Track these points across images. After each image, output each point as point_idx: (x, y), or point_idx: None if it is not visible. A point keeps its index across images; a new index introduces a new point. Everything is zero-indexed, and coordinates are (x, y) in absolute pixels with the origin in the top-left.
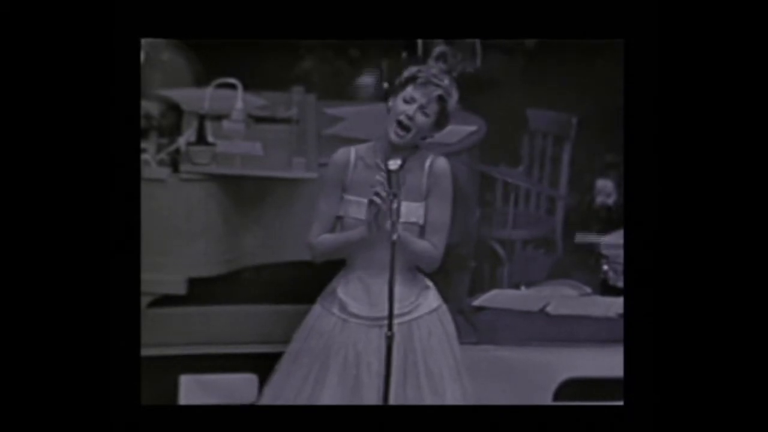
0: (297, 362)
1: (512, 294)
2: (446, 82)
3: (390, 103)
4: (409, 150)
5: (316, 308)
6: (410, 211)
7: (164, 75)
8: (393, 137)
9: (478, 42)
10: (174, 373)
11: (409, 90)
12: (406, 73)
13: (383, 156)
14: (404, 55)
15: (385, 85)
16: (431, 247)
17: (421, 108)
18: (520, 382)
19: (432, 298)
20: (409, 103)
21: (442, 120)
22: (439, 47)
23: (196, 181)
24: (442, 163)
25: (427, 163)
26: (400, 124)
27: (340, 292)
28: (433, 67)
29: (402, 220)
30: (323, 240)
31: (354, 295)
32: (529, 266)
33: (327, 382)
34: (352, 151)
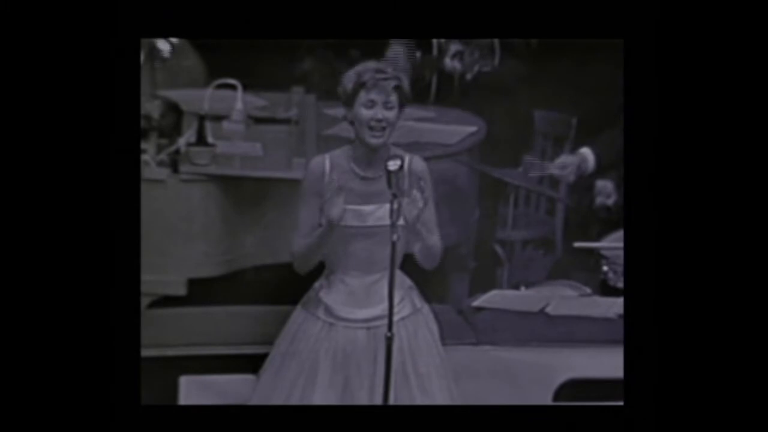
0: (284, 366)
1: (512, 294)
2: (390, 71)
3: (349, 115)
4: (381, 152)
5: (300, 313)
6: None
7: (176, 76)
8: (372, 141)
9: (497, 40)
10: (174, 373)
11: (363, 95)
12: (348, 83)
13: (361, 161)
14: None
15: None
16: (439, 242)
17: (384, 105)
18: (520, 383)
19: (416, 298)
20: (371, 107)
21: (403, 102)
22: (455, 45)
23: (195, 182)
24: (418, 161)
25: (405, 164)
26: (372, 128)
27: (324, 296)
28: (370, 65)
29: (386, 222)
30: (298, 246)
31: (338, 298)
32: (528, 267)
33: (317, 385)
34: (327, 158)
